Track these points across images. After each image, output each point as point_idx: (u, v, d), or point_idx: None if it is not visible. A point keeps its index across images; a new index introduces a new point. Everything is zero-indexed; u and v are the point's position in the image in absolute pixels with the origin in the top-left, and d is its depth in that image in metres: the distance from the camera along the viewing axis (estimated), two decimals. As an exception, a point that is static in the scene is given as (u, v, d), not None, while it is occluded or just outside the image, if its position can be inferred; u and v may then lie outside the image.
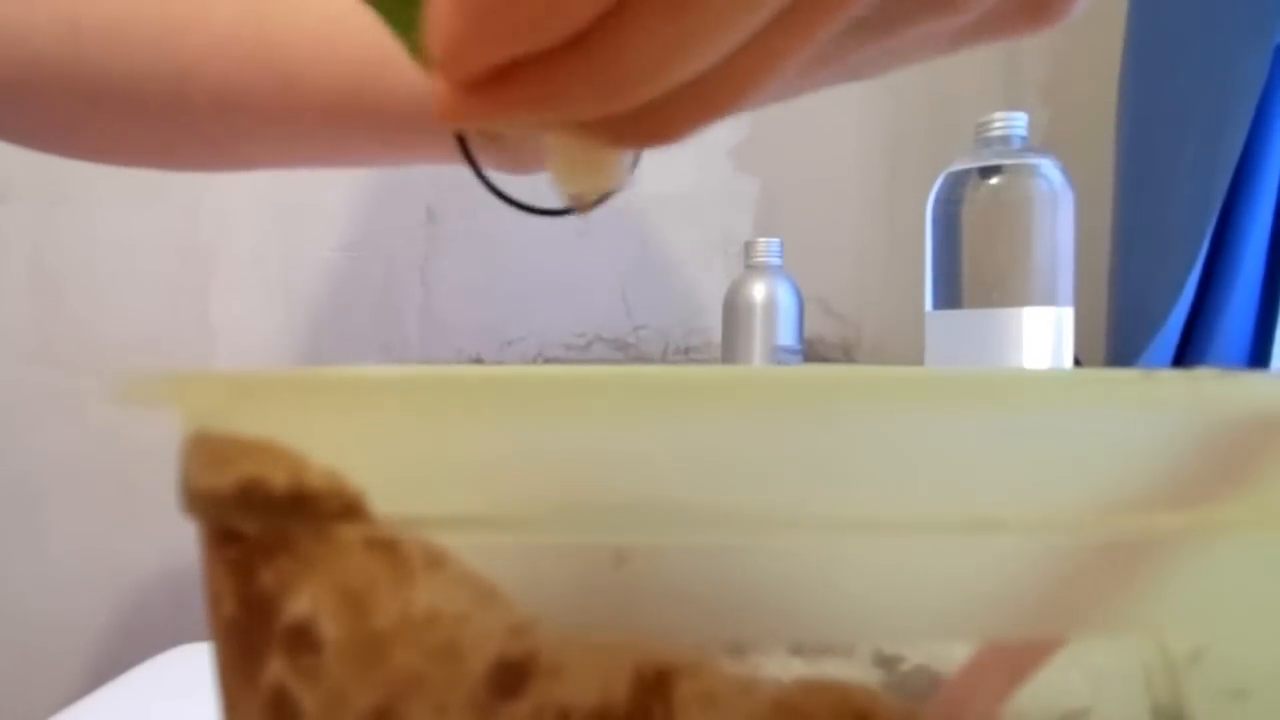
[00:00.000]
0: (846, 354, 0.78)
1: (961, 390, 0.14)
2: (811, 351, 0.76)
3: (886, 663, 0.15)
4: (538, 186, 0.36)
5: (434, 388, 0.14)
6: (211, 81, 0.35)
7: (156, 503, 0.80)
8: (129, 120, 0.36)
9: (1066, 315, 0.49)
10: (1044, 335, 0.48)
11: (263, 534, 0.15)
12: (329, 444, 0.14)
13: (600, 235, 0.78)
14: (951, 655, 0.15)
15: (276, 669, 0.15)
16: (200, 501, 0.16)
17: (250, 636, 0.15)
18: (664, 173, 0.77)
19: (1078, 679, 0.15)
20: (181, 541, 0.19)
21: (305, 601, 0.15)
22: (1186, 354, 0.58)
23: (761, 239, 0.63)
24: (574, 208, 0.28)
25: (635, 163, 0.28)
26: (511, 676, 0.14)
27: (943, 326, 0.51)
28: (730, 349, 0.63)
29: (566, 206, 0.34)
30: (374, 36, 0.34)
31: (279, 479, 0.14)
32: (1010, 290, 0.48)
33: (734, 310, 0.63)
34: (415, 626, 0.14)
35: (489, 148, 0.36)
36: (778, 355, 0.62)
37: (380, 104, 0.34)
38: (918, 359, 0.56)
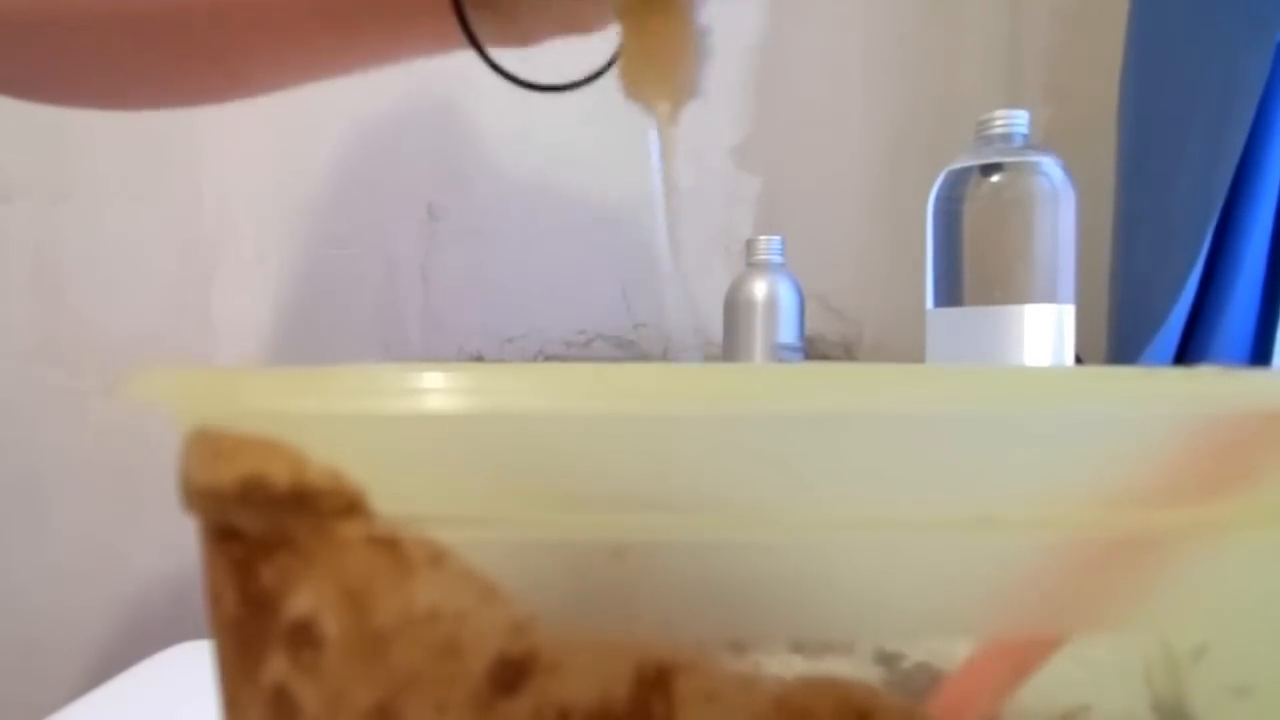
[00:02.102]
0: (848, 352, 0.77)
1: (962, 388, 0.14)
2: (812, 349, 0.76)
3: (888, 660, 0.15)
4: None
5: (435, 385, 0.14)
6: None
7: (158, 500, 0.80)
8: (133, 45, 0.36)
9: (1068, 313, 0.49)
10: (1045, 333, 0.48)
11: (263, 531, 0.15)
12: (330, 441, 0.14)
13: (601, 233, 0.78)
14: (953, 652, 0.15)
15: (277, 666, 0.15)
16: (201, 498, 0.16)
17: (251, 634, 0.15)
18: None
19: (1079, 676, 0.15)
20: (182, 539, 0.19)
21: (306, 599, 0.15)
22: (1188, 351, 0.58)
23: (763, 236, 0.63)
24: (655, 120, 0.29)
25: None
26: (512, 674, 0.14)
27: (944, 324, 0.51)
28: (731, 346, 0.63)
29: (569, 82, 0.34)
30: None
31: (280, 476, 0.14)
32: (1011, 288, 0.48)
33: (735, 308, 0.63)
34: (416, 624, 0.14)
35: (489, 22, 0.35)
36: (779, 353, 0.61)
37: None
38: (919, 356, 0.56)
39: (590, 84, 0.35)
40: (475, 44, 0.35)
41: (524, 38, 0.36)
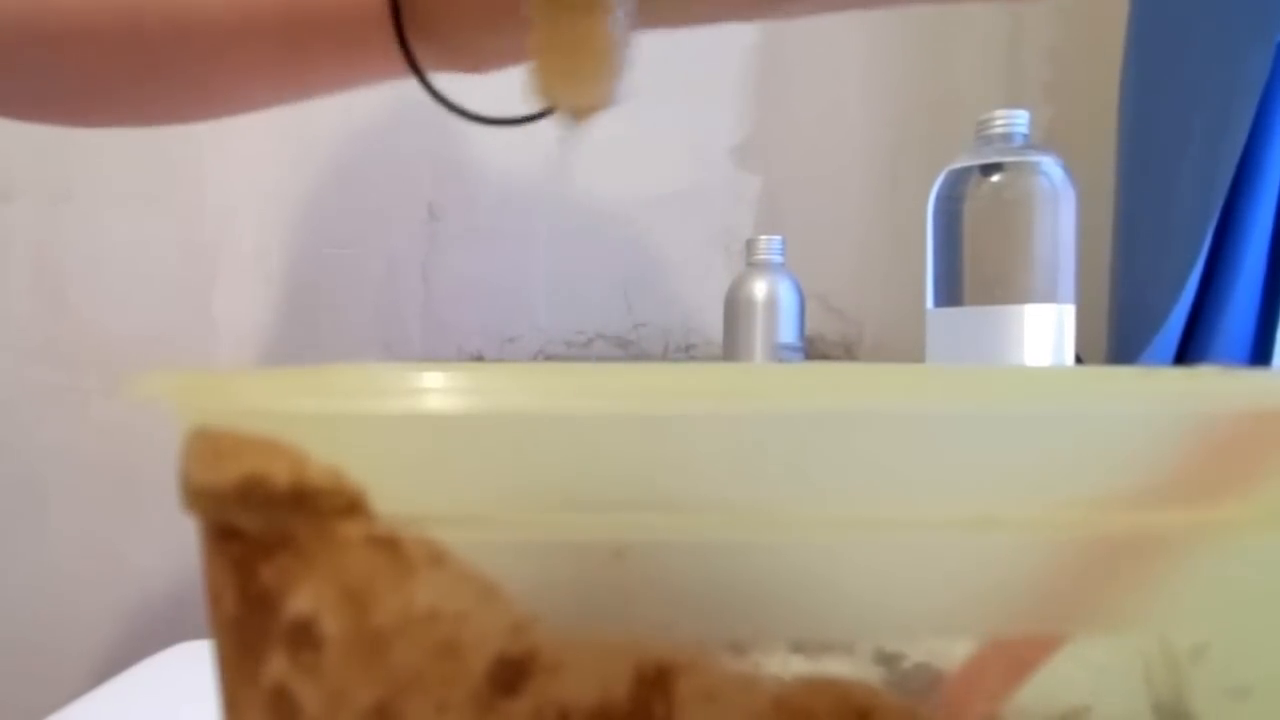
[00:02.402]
0: (848, 351, 0.77)
1: (963, 387, 0.14)
2: (813, 349, 0.76)
3: (887, 660, 0.15)
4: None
5: (435, 385, 0.14)
6: (165, 6, 0.35)
7: (158, 500, 0.80)
8: (91, 63, 0.36)
9: (1068, 313, 0.49)
10: (1045, 333, 0.48)
11: (264, 531, 0.15)
12: (330, 441, 0.14)
13: (601, 233, 0.78)
14: (953, 652, 0.15)
15: (277, 666, 0.15)
16: (201, 498, 0.16)
17: (251, 634, 0.15)
18: (665, 171, 0.77)
19: (1079, 676, 0.15)
20: (182, 539, 0.19)
21: (306, 599, 0.15)
22: (1188, 351, 0.58)
23: (763, 236, 0.63)
24: (564, 123, 0.27)
25: (622, 80, 0.27)
26: (512, 674, 0.14)
27: (944, 324, 0.51)
28: (731, 346, 0.63)
29: (523, 115, 0.33)
30: None
31: (280, 476, 0.14)
32: (1011, 287, 0.48)
33: (735, 307, 0.63)
34: (416, 624, 0.14)
35: (433, 50, 0.35)
36: (779, 353, 0.61)
37: (334, 8, 0.34)
38: (919, 356, 0.56)
39: (541, 119, 0.35)
40: (417, 71, 0.35)
41: (475, 66, 0.36)
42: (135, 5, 0.35)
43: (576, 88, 0.26)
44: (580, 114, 0.28)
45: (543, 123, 0.38)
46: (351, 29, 0.35)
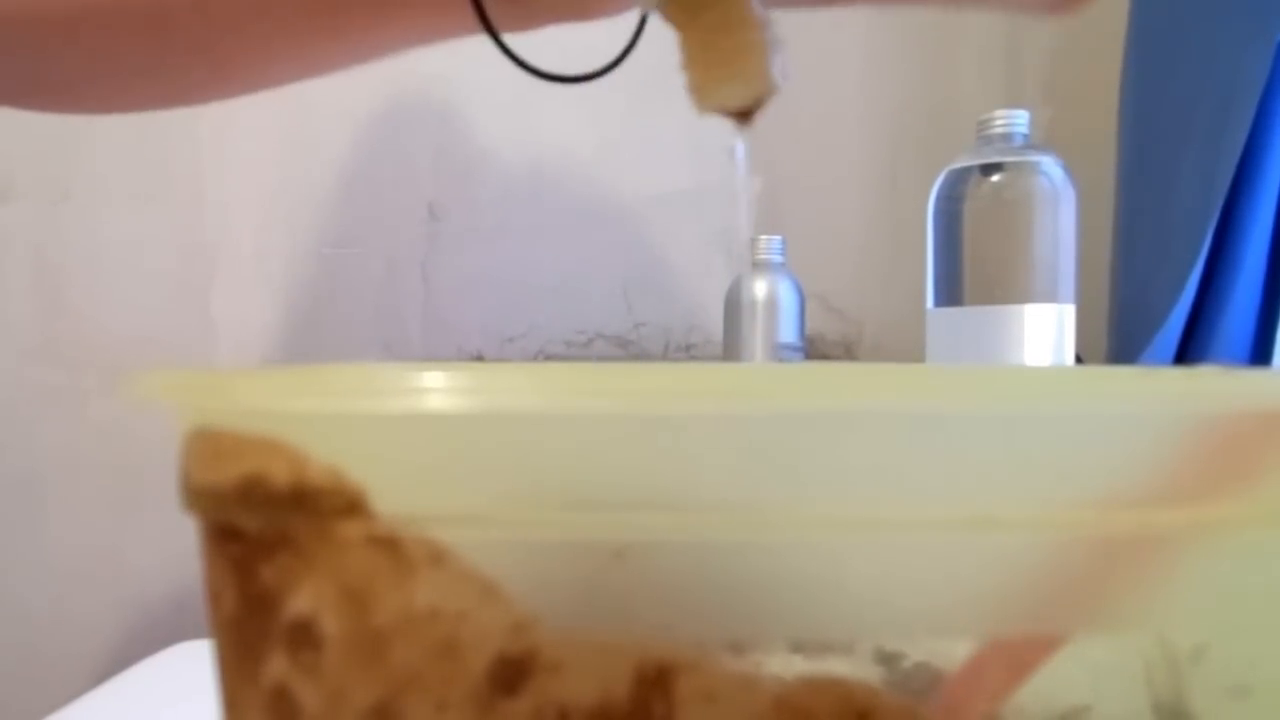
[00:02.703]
0: (848, 351, 0.77)
1: (963, 387, 0.14)
2: (813, 349, 0.76)
3: (888, 660, 0.15)
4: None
5: (435, 385, 0.14)
6: None
7: (158, 500, 0.80)
8: (107, 37, 0.34)
9: (1068, 312, 0.49)
10: (1045, 332, 0.48)
11: (264, 531, 0.15)
12: (330, 441, 0.14)
13: (602, 232, 0.78)
14: (953, 652, 0.15)
15: (277, 666, 0.15)
16: (201, 498, 0.16)
17: (251, 634, 0.15)
18: (665, 170, 0.77)
19: (1079, 676, 0.15)
20: (182, 539, 0.19)
21: (306, 598, 0.15)
22: (1188, 351, 0.58)
23: (763, 236, 0.63)
24: (734, 120, 0.26)
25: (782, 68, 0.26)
26: (512, 673, 0.14)
27: (944, 324, 0.51)
28: (731, 346, 0.63)
29: (590, 73, 0.32)
30: None
31: (280, 475, 0.14)
32: (1012, 287, 0.48)
33: (735, 307, 0.63)
34: (416, 623, 0.14)
35: (498, 6, 0.33)
36: (779, 352, 0.61)
37: None
38: (919, 356, 0.56)
39: (605, 75, 0.34)
40: (490, 30, 0.33)
41: (523, 21, 0.35)
42: None
43: (737, 88, 0.26)
44: (747, 113, 0.27)
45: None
46: None
